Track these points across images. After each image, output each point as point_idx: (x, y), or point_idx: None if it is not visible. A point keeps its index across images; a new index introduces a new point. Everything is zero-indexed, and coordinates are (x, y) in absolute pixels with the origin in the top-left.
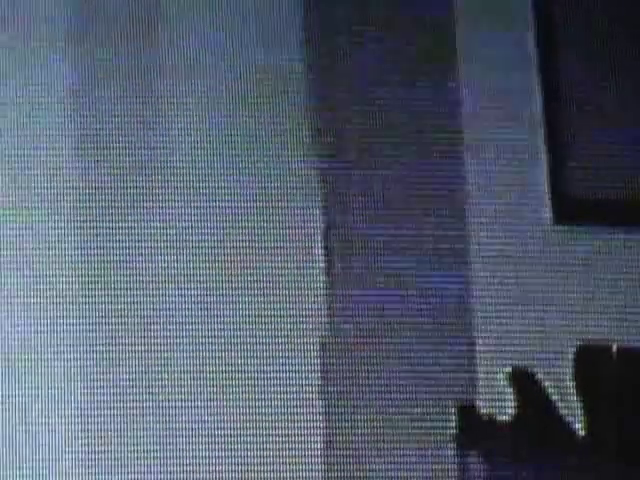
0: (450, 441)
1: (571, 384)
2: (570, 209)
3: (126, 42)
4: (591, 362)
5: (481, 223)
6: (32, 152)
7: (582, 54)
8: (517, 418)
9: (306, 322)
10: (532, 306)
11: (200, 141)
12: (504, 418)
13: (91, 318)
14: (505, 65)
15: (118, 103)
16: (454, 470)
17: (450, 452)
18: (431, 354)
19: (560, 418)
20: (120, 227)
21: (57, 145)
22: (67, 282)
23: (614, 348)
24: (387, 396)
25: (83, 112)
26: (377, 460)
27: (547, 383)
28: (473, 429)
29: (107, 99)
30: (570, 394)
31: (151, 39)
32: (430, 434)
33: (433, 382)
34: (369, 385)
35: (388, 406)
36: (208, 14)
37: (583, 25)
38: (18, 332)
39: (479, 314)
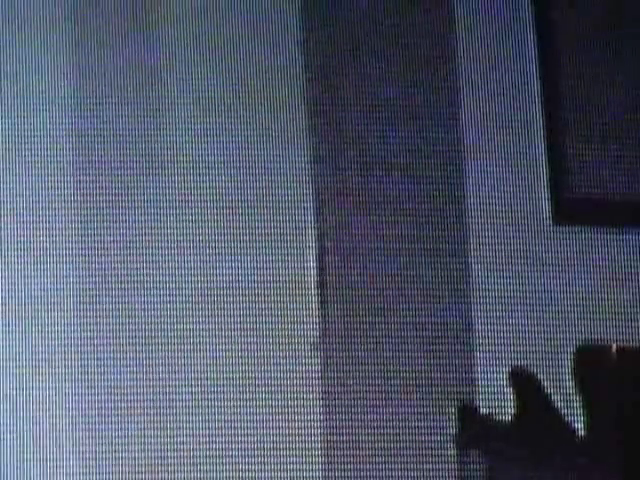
0: (450, 441)
1: (571, 384)
2: (570, 209)
3: (125, 42)
4: (591, 362)
5: (481, 223)
6: (33, 149)
7: (582, 54)
8: (517, 418)
9: (306, 322)
10: (532, 306)
11: (199, 141)
12: (504, 418)
13: (92, 318)
14: (505, 65)
15: (117, 102)
16: (454, 470)
17: (450, 452)
18: (431, 354)
19: (560, 418)
20: (118, 226)
21: (59, 140)
22: (67, 281)
23: (614, 348)
24: (387, 396)
25: (83, 111)
26: (377, 460)
27: (547, 383)
28: (473, 429)
29: (107, 97)
30: (570, 394)
31: (150, 39)
32: (430, 434)
33: (433, 382)
34: (369, 385)
35: (388, 406)
36: (208, 14)
37: (583, 25)
38: (19, 330)
39: (479, 314)
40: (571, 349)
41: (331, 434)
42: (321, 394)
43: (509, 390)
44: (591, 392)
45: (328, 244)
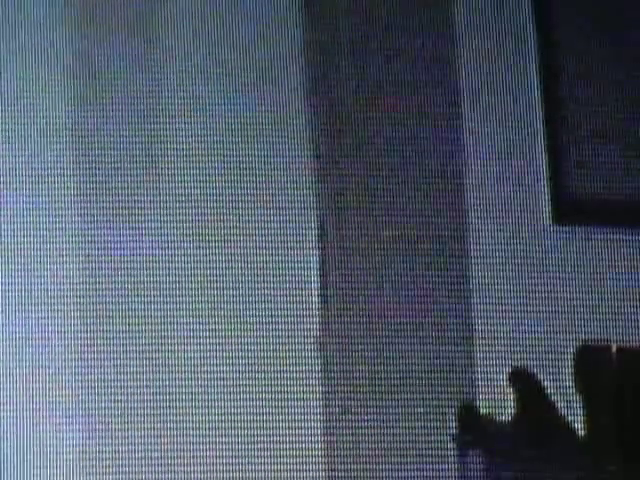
0: (450, 441)
1: (571, 384)
2: (570, 209)
3: (125, 42)
4: (591, 362)
5: (481, 223)
6: (34, 149)
7: (582, 54)
8: (517, 418)
9: (306, 322)
10: (532, 306)
11: (199, 142)
12: (504, 418)
13: (93, 318)
14: (505, 65)
15: (116, 103)
16: (454, 470)
17: (450, 452)
18: (431, 354)
19: (560, 418)
20: (118, 231)
21: (59, 139)
22: (68, 280)
23: (614, 348)
24: (387, 396)
25: (85, 114)
26: (377, 460)
27: (547, 383)
28: (473, 429)
29: (106, 98)
30: (570, 394)
31: (150, 39)
32: (430, 434)
33: (433, 382)
34: (369, 385)
35: (388, 406)
36: (208, 14)
37: (583, 25)
38: (20, 331)
39: (479, 314)
40: (571, 349)
41: (331, 434)
42: (321, 394)
43: (509, 390)
44: (591, 392)
45: (328, 244)
